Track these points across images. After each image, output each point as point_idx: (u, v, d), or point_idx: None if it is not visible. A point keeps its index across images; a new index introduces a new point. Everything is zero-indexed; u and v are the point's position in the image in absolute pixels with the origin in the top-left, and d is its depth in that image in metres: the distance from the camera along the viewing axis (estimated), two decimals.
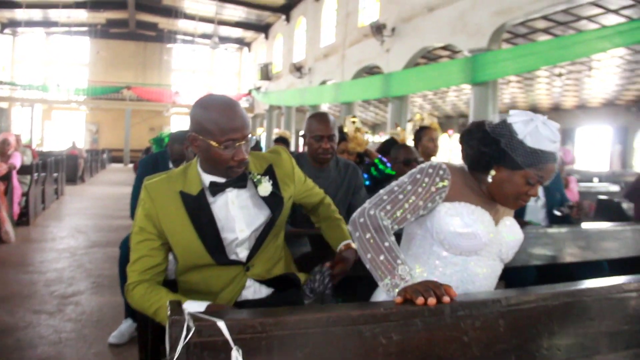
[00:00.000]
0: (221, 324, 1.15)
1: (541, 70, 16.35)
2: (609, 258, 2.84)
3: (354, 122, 4.24)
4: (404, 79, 14.90)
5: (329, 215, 2.19)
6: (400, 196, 1.73)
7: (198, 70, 34.77)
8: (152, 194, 1.81)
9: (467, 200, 1.76)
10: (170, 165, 3.81)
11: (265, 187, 1.85)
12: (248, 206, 1.87)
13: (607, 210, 4.56)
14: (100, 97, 29.71)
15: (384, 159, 4.09)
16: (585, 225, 2.92)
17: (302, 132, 3.01)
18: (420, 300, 1.38)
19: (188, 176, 1.83)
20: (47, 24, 29.49)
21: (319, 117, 2.94)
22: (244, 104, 31.79)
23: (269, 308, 1.39)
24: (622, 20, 11.52)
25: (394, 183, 1.80)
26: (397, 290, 1.47)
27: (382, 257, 1.56)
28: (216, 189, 1.81)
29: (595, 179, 12.59)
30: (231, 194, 1.85)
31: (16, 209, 7.58)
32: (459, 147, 1.87)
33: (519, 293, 1.50)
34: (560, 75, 16.54)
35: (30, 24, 29.30)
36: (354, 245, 2.00)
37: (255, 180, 1.86)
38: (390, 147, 4.66)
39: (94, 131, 33.28)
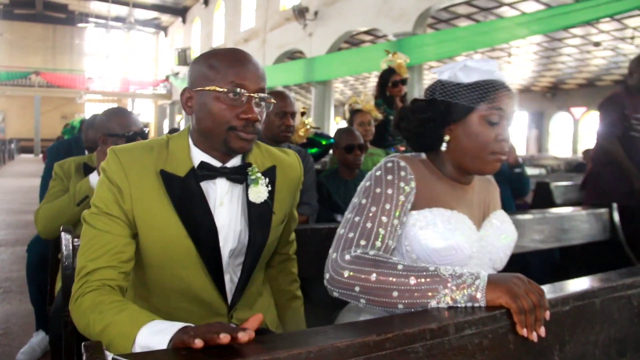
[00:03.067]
0: None
1: (460, 56, 16.62)
2: (572, 244, 2.69)
3: (303, 114, 3.93)
4: (327, 64, 14.73)
5: (286, 289, 1.66)
6: (369, 224, 1.31)
7: (112, 55, 33.07)
8: (125, 163, 1.27)
9: (437, 204, 1.39)
10: (86, 152, 3.34)
11: (260, 192, 1.35)
12: (237, 214, 1.38)
13: (545, 193, 4.48)
14: (5, 83, 27.64)
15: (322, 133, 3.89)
16: (553, 210, 2.75)
17: None
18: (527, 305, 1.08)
19: (172, 151, 1.32)
20: None
21: (282, 94, 2.80)
22: (161, 90, 30.69)
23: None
24: (541, 7, 11.81)
25: (347, 213, 1.38)
26: (475, 290, 1.12)
27: (412, 281, 1.16)
28: (204, 173, 1.31)
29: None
30: (221, 188, 1.34)
31: None
32: (402, 135, 1.55)
33: None
34: None
35: None
36: None
37: (252, 176, 1.35)
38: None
39: None
